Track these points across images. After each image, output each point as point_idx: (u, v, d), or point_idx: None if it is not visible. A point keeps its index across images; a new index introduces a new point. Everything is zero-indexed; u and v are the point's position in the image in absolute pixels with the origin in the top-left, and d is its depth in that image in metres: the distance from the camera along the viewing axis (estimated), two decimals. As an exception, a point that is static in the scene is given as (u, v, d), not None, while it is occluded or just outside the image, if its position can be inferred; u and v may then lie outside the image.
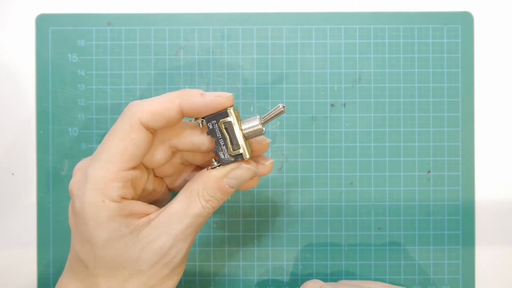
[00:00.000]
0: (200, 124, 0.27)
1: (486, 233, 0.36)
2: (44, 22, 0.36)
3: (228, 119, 0.26)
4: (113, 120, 0.36)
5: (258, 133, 0.27)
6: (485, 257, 0.36)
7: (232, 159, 0.27)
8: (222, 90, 0.36)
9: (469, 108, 0.36)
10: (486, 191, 0.36)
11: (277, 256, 0.36)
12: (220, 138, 0.27)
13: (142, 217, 0.27)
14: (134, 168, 0.27)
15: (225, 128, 0.27)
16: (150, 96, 0.36)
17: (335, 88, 0.36)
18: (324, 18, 0.36)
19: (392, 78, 0.36)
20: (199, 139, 0.28)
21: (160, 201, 0.31)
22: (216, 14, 0.36)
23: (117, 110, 0.36)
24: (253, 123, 0.27)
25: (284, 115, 0.36)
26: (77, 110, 0.36)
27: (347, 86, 0.36)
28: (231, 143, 0.27)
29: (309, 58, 0.36)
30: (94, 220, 0.26)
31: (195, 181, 0.28)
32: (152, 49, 0.36)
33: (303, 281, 0.36)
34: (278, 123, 0.36)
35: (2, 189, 0.36)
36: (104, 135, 0.36)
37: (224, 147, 0.27)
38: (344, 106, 0.36)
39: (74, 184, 0.27)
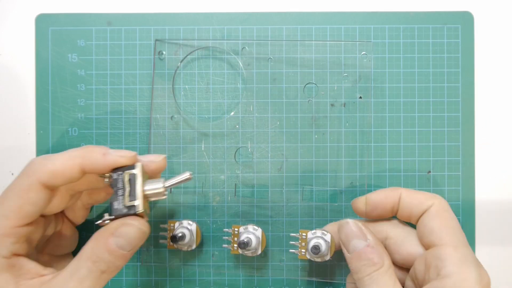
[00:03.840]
0: (108, 180, 0.27)
1: (486, 233, 0.36)
2: (44, 22, 0.36)
3: (134, 171, 0.27)
4: (113, 120, 0.36)
5: (159, 196, 0.28)
6: (485, 257, 0.36)
7: (125, 210, 0.27)
8: (222, 90, 0.36)
9: (469, 108, 0.36)
10: (486, 191, 0.36)
11: (277, 256, 0.36)
12: (120, 189, 0.27)
13: (35, 277, 0.26)
14: (29, 223, 0.26)
15: (128, 179, 0.27)
16: (149, 97, 0.36)
17: (335, 88, 0.36)
18: (324, 18, 0.36)
19: (392, 78, 0.36)
20: (95, 177, 0.28)
21: (68, 244, 0.32)
22: (216, 14, 0.36)
23: (117, 110, 0.36)
24: (156, 186, 0.28)
25: (284, 115, 0.36)
26: (77, 110, 0.36)
27: (347, 86, 0.36)
28: (130, 194, 0.27)
29: (309, 58, 0.36)
30: None
31: (87, 242, 0.27)
32: (152, 49, 0.36)
33: (303, 281, 0.36)
34: (278, 123, 0.36)
35: (2, 189, 0.36)
36: (104, 135, 0.36)
37: (120, 197, 0.27)
38: (344, 106, 0.36)
39: None
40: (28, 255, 0.27)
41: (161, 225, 0.34)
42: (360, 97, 0.35)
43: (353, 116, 0.36)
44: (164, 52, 0.36)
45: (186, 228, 0.33)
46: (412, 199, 0.30)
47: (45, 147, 0.36)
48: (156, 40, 0.35)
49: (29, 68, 0.36)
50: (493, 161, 0.37)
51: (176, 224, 0.34)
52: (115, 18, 0.36)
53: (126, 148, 0.36)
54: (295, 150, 0.36)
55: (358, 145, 0.36)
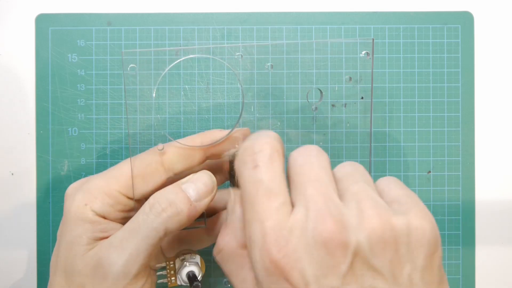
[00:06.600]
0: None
1: (486, 233, 0.36)
2: (44, 22, 0.36)
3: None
4: (113, 120, 0.36)
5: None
6: (485, 257, 0.36)
7: None
8: (222, 90, 0.36)
9: (469, 108, 0.36)
10: (486, 191, 0.36)
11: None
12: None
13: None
14: (130, 198, 0.27)
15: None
16: (150, 97, 0.36)
17: (336, 89, 0.36)
18: (324, 18, 0.36)
19: (392, 78, 0.36)
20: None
21: None
22: (216, 14, 0.36)
23: (117, 110, 0.36)
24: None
25: (285, 115, 0.36)
26: (77, 110, 0.36)
27: (348, 86, 0.36)
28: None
29: (310, 58, 0.36)
30: (69, 217, 0.26)
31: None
32: (152, 49, 0.36)
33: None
34: (279, 124, 0.36)
35: (2, 189, 0.36)
36: (104, 135, 0.36)
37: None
38: (345, 107, 0.36)
39: (71, 186, 0.27)
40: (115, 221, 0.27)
41: (157, 265, 0.30)
42: (362, 98, 0.35)
43: (354, 117, 0.36)
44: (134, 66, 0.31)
45: (192, 263, 0.31)
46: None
47: (45, 147, 0.36)
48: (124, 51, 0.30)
49: (29, 68, 0.36)
50: (493, 161, 0.37)
51: (178, 262, 0.31)
52: (115, 18, 0.36)
53: (126, 148, 0.36)
54: (295, 150, 0.36)
55: (359, 145, 0.36)
